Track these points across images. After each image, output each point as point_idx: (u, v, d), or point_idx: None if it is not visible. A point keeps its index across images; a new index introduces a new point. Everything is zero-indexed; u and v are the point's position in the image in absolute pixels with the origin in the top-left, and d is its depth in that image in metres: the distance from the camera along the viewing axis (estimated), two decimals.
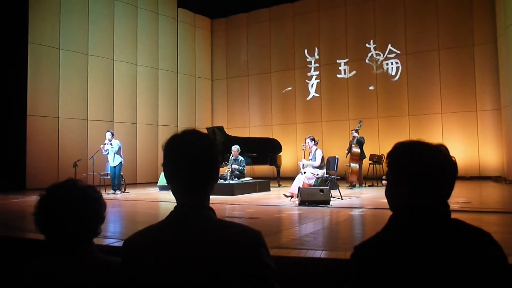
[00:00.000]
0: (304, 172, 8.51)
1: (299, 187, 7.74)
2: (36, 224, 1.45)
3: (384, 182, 1.33)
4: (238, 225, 1.25)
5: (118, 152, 10.49)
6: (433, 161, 1.23)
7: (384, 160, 11.64)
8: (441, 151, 1.25)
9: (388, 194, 1.33)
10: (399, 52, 14.16)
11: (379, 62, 14.49)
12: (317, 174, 8.52)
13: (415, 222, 1.22)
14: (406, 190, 1.25)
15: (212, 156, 1.28)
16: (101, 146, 10.54)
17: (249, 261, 1.16)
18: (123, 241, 1.29)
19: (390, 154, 1.30)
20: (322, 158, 8.76)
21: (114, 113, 13.93)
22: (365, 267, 1.21)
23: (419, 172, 1.23)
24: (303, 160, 8.85)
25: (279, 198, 8.46)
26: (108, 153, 10.49)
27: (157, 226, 1.26)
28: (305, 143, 9.14)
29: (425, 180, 1.22)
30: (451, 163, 1.25)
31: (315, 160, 8.67)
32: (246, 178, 10.57)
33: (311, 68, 15.70)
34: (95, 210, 1.47)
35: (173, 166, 1.27)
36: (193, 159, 1.24)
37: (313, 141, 8.89)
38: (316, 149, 8.81)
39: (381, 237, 1.25)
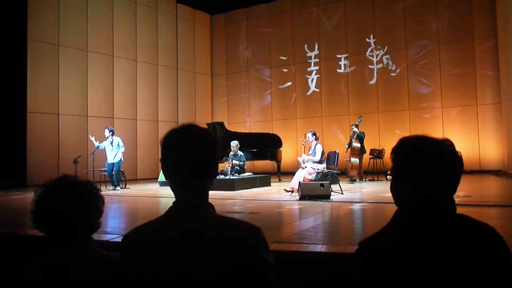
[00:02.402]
0: (305, 167, 8.52)
1: (299, 181, 7.75)
2: (34, 222, 1.44)
3: (389, 177, 1.33)
4: (237, 221, 1.23)
5: (119, 150, 10.52)
6: (437, 157, 1.22)
7: (384, 154, 11.62)
8: (446, 146, 1.24)
9: (393, 189, 1.31)
10: (399, 46, 14.10)
11: (379, 57, 14.45)
12: (318, 169, 8.52)
13: (420, 218, 1.21)
14: (410, 185, 1.23)
15: (210, 151, 1.27)
16: (92, 137, 10.51)
17: (248, 256, 1.15)
18: (122, 237, 1.29)
19: (394, 149, 1.29)
20: (322, 153, 8.76)
21: (114, 109, 13.92)
22: (370, 263, 1.20)
23: (423, 167, 1.21)
24: (303, 155, 8.85)
25: (279, 193, 8.47)
26: (99, 147, 10.51)
27: (156, 222, 1.25)
28: (305, 138, 9.14)
29: (429, 176, 1.21)
30: (456, 159, 1.24)
31: (315, 155, 8.66)
32: (247, 173, 10.58)
33: (311, 63, 15.66)
34: (93, 204, 1.47)
35: (171, 161, 1.25)
36: (191, 154, 1.23)
37: (314, 136, 8.89)
38: (317, 144, 8.80)
39: (386, 232, 1.25)
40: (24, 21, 11.77)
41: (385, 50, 14.29)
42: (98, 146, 10.55)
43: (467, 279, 1.12)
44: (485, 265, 1.13)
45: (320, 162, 8.67)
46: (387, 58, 14.25)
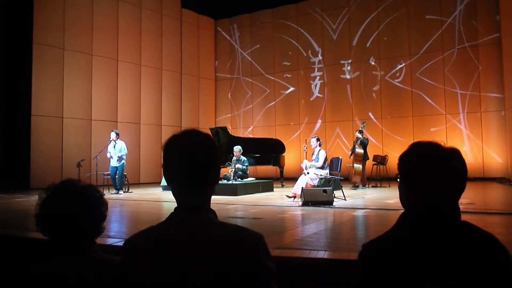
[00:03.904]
0: (308, 173, 8.51)
1: (302, 187, 7.73)
2: (38, 225, 1.44)
3: (398, 180, 1.35)
4: (239, 228, 1.23)
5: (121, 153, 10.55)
6: (444, 164, 1.23)
7: (387, 161, 11.57)
8: (453, 154, 1.25)
9: (400, 192, 1.34)
10: (403, 53, 14.11)
11: (382, 63, 14.44)
12: (320, 175, 8.51)
13: (424, 222, 1.22)
14: (415, 190, 1.26)
15: (212, 156, 1.26)
16: (109, 155, 10.61)
17: (248, 263, 1.14)
18: (123, 241, 1.29)
19: (403, 154, 1.31)
20: (325, 159, 8.76)
21: (118, 113, 13.97)
22: (372, 266, 1.21)
23: (428, 174, 1.23)
24: (305, 161, 8.85)
25: (282, 199, 8.45)
26: (109, 154, 10.57)
27: (158, 227, 1.24)
28: (305, 143, 9.14)
29: (434, 183, 1.22)
30: (462, 167, 1.25)
31: (318, 161, 8.66)
32: (249, 179, 10.57)
33: (314, 68, 15.69)
34: (97, 209, 1.47)
35: (173, 167, 1.24)
36: (193, 160, 1.22)
37: (318, 141, 8.90)
38: (320, 150, 8.80)
39: (390, 236, 1.25)
40: (29, 24, 11.84)
41: (389, 56, 14.29)
42: (110, 154, 10.58)
43: (468, 285, 1.12)
44: (486, 273, 1.13)
45: (322, 168, 8.66)
46: (390, 64, 14.25)
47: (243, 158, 10.57)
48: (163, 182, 11.27)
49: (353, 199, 8.13)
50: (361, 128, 11.33)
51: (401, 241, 1.21)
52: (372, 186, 11.31)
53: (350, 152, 11.29)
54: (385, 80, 14.38)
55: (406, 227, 1.25)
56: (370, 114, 14.32)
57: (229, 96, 17.55)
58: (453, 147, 1.27)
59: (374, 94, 14.50)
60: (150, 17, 15.12)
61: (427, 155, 1.25)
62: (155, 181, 14.08)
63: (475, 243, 1.18)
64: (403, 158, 1.30)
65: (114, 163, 10.50)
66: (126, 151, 10.63)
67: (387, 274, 1.17)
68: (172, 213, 1.25)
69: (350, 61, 15.00)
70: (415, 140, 1.33)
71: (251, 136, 16.05)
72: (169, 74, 15.79)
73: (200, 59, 17.14)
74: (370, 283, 1.20)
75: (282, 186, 11.75)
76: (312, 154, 8.94)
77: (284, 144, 12.92)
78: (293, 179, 9.46)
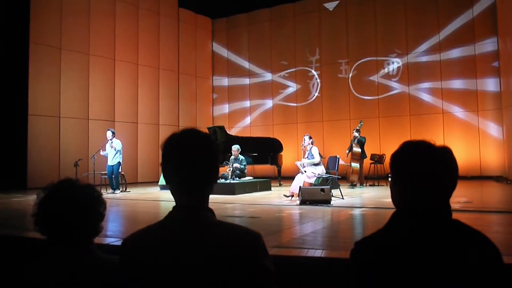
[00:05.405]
0: (305, 172, 8.53)
1: (300, 186, 7.75)
2: (36, 225, 1.44)
3: (390, 179, 1.35)
4: (237, 227, 1.23)
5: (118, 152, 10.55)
6: (435, 163, 1.24)
7: (385, 160, 11.61)
8: (445, 152, 1.26)
9: (391, 192, 1.34)
10: (400, 51, 14.14)
11: (380, 62, 14.46)
12: (318, 174, 8.54)
13: (416, 222, 1.22)
14: (407, 189, 1.26)
15: (211, 156, 1.26)
16: (102, 153, 10.64)
17: (247, 263, 1.14)
18: (122, 240, 1.28)
19: (394, 153, 1.31)
20: (320, 155, 8.89)
21: (115, 112, 13.94)
22: (364, 264, 1.21)
23: (420, 172, 1.23)
24: (303, 160, 8.88)
25: (280, 198, 8.46)
26: (106, 154, 10.58)
27: (156, 227, 1.24)
28: (303, 143, 9.17)
29: (426, 181, 1.23)
30: (453, 165, 1.26)
31: (313, 158, 8.73)
32: (247, 178, 10.57)
33: (312, 68, 15.69)
34: (95, 208, 1.46)
35: (172, 166, 1.24)
36: (192, 159, 1.22)
37: (310, 139, 9.00)
38: (312, 147, 8.90)
39: (382, 234, 1.26)
40: (26, 24, 11.81)
41: (386, 55, 14.31)
42: (106, 154, 10.60)
43: (458, 282, 1.13)
44: (477, 270, 1.14)
45: (318, 163, 8.74)
46: (387, 63, 14.25)
47: (241, 157, 10.57)
48: (161, 181, 11.26)
49: (351, 198, 8.15)
50: (358, 127, 11.35)
51: (394, 240, 1.21)
52: (370, 185, 11.33)
53: (347, 151, 11.31)
54: (382, 78, 14.39)
55: (399, 226, 1.25)
56: (367, 113, 14.31)
57: (226, 95, 17.53)
58: (444, 145, 1.28)
59: (371, 93, 14.50)
60: (147, 17, 15.09)
61: (420, 154, 1.26)
62: (152, 180, 14.07)
63: (467, 242, 1.19)
64: (395, 158, 1.30)
65: (110, 162, 10.51)
66: (119, 146, 10.61)
67: (379, 272, 1.18)
68: (170, 212, 1.25)
69: (347, 60, 15.01)
70: (413, 139, 1.33)
71: (249, 135, 16.04)
72: (166, 73, 15.77)
73: (197, 58, 17.12)
74: (363, 282, 1.20)
75: (280, 185, 11.77)
76: (305, 152, 9.01)
77: (282, 143, 12.92)
78: (291, 178, 9.46)
